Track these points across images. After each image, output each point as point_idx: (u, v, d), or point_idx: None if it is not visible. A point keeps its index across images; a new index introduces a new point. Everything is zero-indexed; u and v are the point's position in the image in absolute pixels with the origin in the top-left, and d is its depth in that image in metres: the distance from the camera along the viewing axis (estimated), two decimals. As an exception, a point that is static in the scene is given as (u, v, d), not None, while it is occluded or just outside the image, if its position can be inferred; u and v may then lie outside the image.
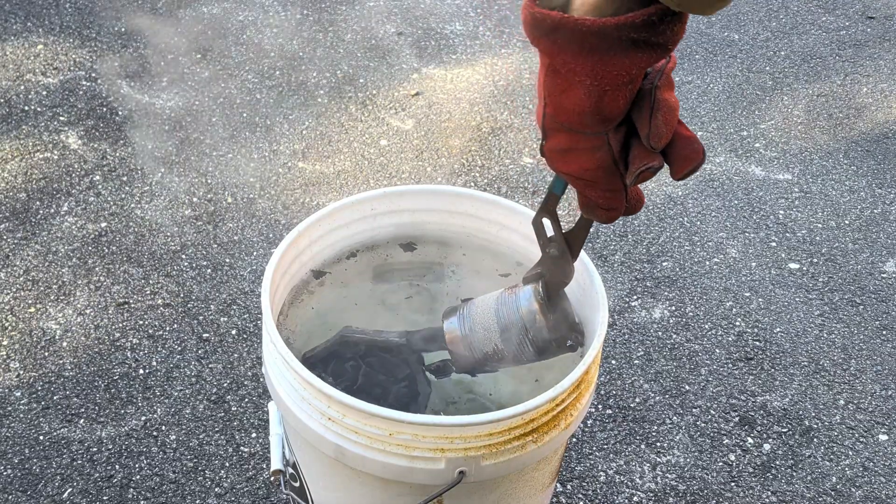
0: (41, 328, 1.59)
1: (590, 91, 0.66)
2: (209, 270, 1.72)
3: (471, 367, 0.98)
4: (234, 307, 1.65)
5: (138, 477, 1.37)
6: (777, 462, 1.45)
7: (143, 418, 1.46)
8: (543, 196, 0.88)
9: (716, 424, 1.50)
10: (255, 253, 1.76)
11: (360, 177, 1.96)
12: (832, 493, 1.41)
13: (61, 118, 2.08)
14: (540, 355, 0.94)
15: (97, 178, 1.92)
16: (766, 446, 1.47)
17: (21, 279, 1.68)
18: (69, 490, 1.35)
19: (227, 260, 1.74)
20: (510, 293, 0.94)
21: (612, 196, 0.75)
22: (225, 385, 1.51)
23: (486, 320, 0.94)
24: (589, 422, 1.49)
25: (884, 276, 1.80)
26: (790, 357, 1.62)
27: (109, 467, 1.39)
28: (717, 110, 2.24)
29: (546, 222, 0.90)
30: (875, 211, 1.96)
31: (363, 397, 0.88)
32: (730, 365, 1.60)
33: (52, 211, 1.83)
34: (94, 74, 2.22)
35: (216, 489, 1.36)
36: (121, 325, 1.60)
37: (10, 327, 1.59)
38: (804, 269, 1.81)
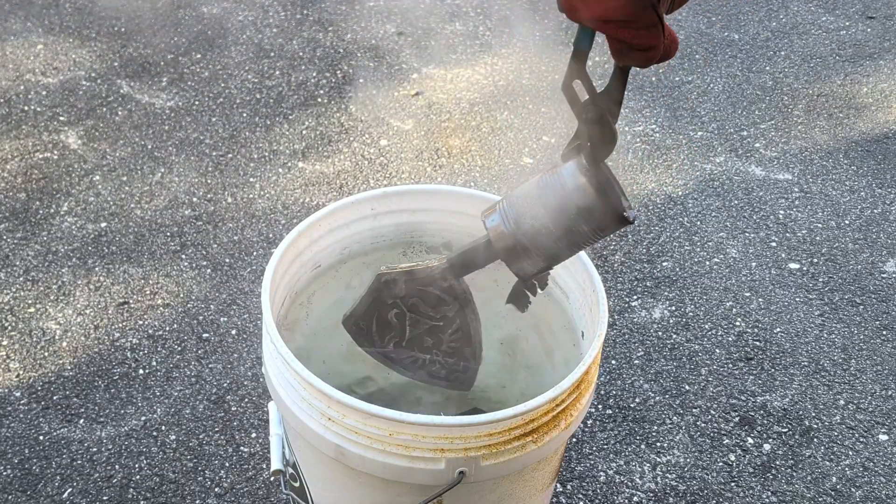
0: (41, 328, 1.59)
1: None
2: (209, 270, 1.72)
3: (527, 267, 0.88)
4: (234, 307, 1.65)
5: (138, 477, 1.37)
6: (777, 462, 1.45)
7: (143, 418, 1.45)
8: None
9: (716, 424, 1.50)
10: (254, 253, 1.76)
11: (360, 177, 1.96)
12: (832, 493, 1.41)
13: (61, 118, 2.08)
14: (597, 233, 0.85)
15: (97, 178, 1.92)
16: (767, 446, 1.47)
17: (21, 279, 1.68)
18: (69, 490, 1.35)
19: (227, 260, 1.74)
20: (551, 174, 0.84)
21: (648, 34, 0.69)
22: (225, 385, 1.51)
23: (532, 209, 0.85)
24: (589, 422, 1.49)
25: (884, 276, 1.80)
26: (790, 357, 1.62)
27: (109, 467, 1.38)
28: (717, 110, 2.23)
29: (577, 85, 0.80)
30: (875, 211, 1.96)
31: (416, 351, 0.90)
32: (730, 365, 1.60)
33: (52, 211, 1.83)
34: (94, 74, 2.22)
35: (216, 489, 1.36)
36: (121, 325, 1.60)
37: (10, 327, 1.59)
38: (804, 269, 1.80)
